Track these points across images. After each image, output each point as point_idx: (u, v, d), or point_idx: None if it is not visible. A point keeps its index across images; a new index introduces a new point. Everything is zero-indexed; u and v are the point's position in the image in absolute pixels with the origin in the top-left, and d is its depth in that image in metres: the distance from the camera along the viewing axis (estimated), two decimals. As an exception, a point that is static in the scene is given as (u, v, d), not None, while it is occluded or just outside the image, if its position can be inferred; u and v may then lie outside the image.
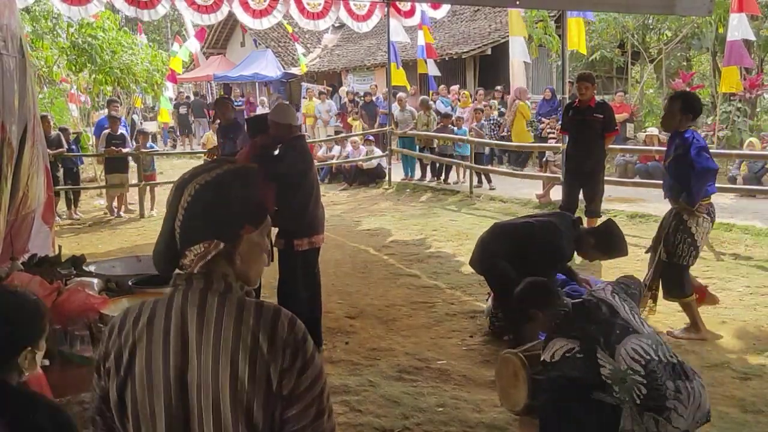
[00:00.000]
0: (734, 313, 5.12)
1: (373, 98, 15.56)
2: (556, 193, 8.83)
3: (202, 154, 13.15)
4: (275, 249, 4.48)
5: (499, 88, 15.02)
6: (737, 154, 10.12)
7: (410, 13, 11.21)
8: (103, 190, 10.90)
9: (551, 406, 2.63)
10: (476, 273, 5.00)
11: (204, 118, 19.74)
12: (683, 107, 4.57)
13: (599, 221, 6.52)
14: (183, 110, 20.08)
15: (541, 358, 2.59)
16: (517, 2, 7.73)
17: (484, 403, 3.76)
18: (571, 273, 4.74)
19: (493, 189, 10.96)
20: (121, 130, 10.82)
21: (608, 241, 4.45)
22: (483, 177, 11.34)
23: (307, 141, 5.89)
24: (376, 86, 16.78)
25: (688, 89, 13.41)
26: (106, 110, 12.42)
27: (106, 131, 10.50)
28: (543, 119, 13.46)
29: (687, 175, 4.48)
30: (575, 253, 4.61)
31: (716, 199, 8.14)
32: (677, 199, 4.59)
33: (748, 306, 5.28)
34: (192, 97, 22.89)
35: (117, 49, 13.12)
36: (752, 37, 9.77)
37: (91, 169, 12.98)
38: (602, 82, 15.51)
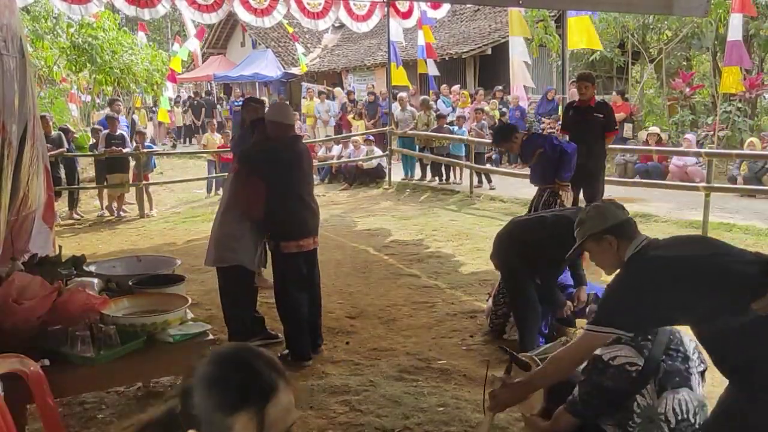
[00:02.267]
0: (735, 313, 5.12)
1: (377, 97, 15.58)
2: (557, 193, 8.81)
3: (204, 155, 13.21)
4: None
5: (499, 88, 15.01)
6: (737, 154, 10.12)
7: (407, 15, 11.18)
8: (101, 191, 10.89)
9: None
10: (494, 267, 4.92)
11: (213, 117, 19.85)
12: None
13: None
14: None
15: (599, 353, 2.54)
16: (520, 1, 7.71)
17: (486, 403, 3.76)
18: (578, 275, 4.58)
19: (493, 189, 10.96)
20: (121, 131, 10.82)
21: None
22: (483, 177, 11.35)
23: (306, 141, 5.84)
24: (373, 86, 16.77)
25: (688, 89, 13.45)
26: (107, 110, 12.43)
27: (106, 131, 10.50)
28: (543, 119, 13.48)
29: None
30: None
31: (717, 198, 8.21)
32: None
33: (749, 306, 5.27)
34: (194, 97, 22.91)
35: (117, 49, 13.13)
36: (739, 37, 9.51)
37: (91, 169, 12.98)
38: (602, 82, 15.49)
